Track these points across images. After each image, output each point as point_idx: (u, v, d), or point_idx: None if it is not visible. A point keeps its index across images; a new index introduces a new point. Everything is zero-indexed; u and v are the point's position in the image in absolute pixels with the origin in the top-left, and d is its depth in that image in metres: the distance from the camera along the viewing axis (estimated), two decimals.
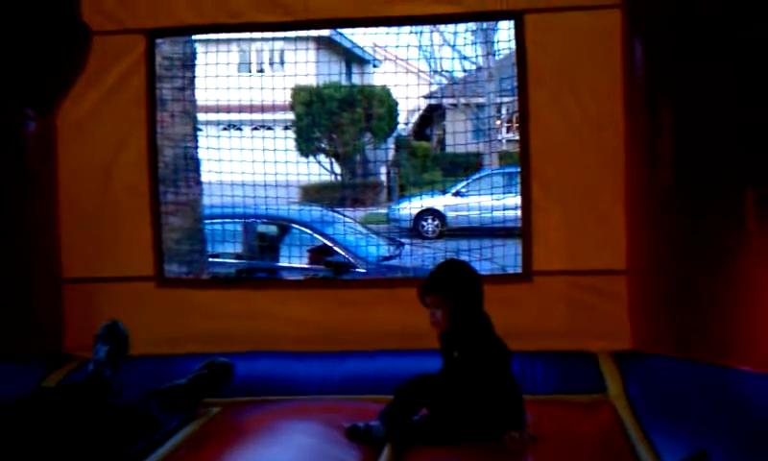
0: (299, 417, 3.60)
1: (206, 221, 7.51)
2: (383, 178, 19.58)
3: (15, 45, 4.07)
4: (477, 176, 15.52)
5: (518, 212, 4.41)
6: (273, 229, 8.99)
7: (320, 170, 18.07)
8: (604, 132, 4.17)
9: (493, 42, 15.63)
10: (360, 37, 19.33)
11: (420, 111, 22.93)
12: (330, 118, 18.71)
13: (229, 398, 3.85)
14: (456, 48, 17.74)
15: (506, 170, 14.19)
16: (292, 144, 17.40)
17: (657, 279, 3.95)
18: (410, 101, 20.72)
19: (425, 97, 21.41)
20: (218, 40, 8.54)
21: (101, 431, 3.19)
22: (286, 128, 17.80)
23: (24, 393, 3.43)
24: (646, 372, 3.87)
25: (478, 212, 9.41)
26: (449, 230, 13.85)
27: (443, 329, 3.38)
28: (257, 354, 4.25)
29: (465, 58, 18.30)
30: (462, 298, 3.37)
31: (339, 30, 14.58)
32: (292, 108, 18.66)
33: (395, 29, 7.92)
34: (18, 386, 3.71)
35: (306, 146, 18.68)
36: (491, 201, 9.66)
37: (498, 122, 18.72)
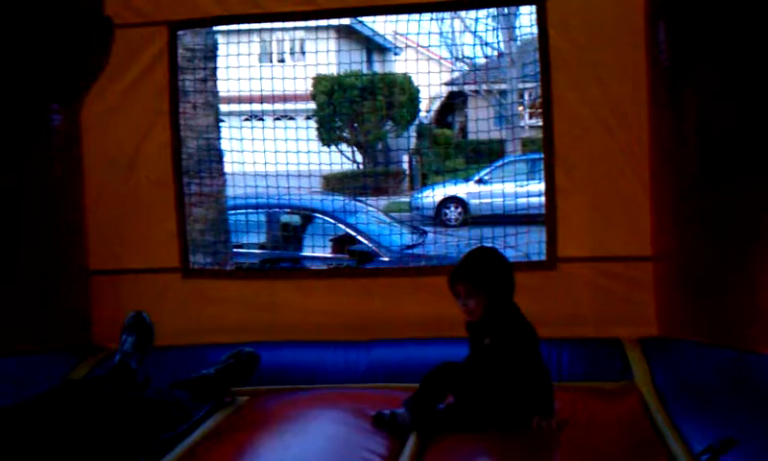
0: (324, 405, 3.62)
1: (230, 212, 7.54)
2: (405, 166, 19.58)
3: (40, 39, 4.10)
4: (500, 163, 15.48)
5: (542, 199, 4.39)
6: (296, 218, 9.02)
7: (342, 159, 18.09)
8: (628, 116, 4.13)
9: (515, 28, 15.56)
10: (380, 25, 19.32)
11: (442, 99, 22.88)
12: (352, 107, 18.72)
13: (256, 387, 3.88)
14: (477, 34, 17.67)
15: (529, 156, 14.14)
16: (314, 133, 17.43)
17: (683, 264, 3.92)
18: (431, 88, 20.70)
19: (447, 84, 21.36)
20: (239, 31, 8.54)
21: (130, 424, 3.22)
22: (308, 117, 17.85)
23: (53, 385, 3.47)
24: (673, 358, 3.84)
25: (501, 199, 9.38)
26: (472, 218, 13.83)
27: (476, 318, 3.36)
28: (282, 344, 4.27)
29: (486, 44, 18.23)
30: (495, 286, 3.35)
31: (359, 18, 14.56)
32: (313, 97, 18.69)
33: (415, 16, 7.88)
34: (47, 378, 3.75)
35: (328, 135, 18.72)
36: (514, 188, 9.61)
37: (521, 108, 18.63)
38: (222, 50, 7.53)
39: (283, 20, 5.12)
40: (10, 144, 4.14)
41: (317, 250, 8.47)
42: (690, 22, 3.76)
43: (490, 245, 6.32)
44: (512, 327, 3.30)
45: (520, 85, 17.31)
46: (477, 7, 7.69)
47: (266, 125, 10.48)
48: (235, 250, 7.73)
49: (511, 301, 3.37)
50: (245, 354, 3.85)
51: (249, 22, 5.13)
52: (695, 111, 3.76)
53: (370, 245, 8.40)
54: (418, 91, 19.46)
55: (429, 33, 17.76)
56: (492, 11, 13.63)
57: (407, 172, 19.38)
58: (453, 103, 22.45)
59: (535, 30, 4.35)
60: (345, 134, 19.69)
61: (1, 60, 4.03)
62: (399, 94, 18.99)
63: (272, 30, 15.78)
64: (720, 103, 3.68)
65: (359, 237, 8.48)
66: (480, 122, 15.14)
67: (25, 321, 4.20)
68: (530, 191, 8.07)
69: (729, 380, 3.48)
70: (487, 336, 3.33)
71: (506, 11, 14.13)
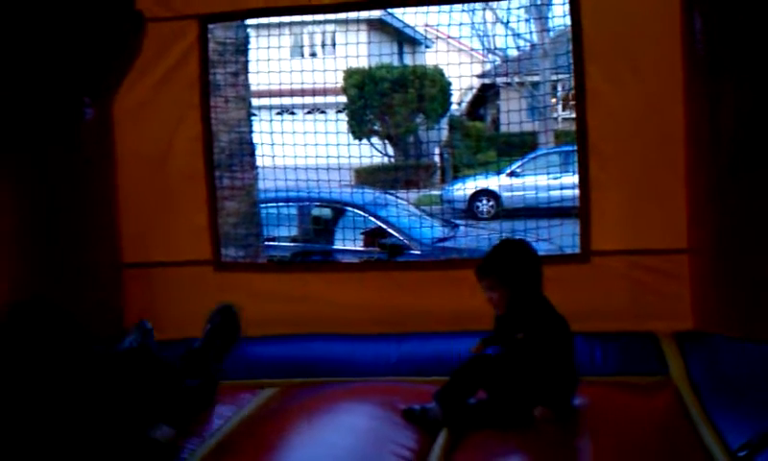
0: (355, 399, 3.62)
1: (262, 205, 7.56)
2: (437, 159, 19.52)
3: (72, 34, 4.12)
4: (532, 155, 15.37)
5: (575, 192, 4.33)
6: (327, 212, 9.02)
7: (373, 152, 18.08)
8: (663, 107, 4.06)
9: (548, 19, 15.44)
10: (411, 17, 19.18)
11: (474, 91, 22.77)
12: (383, 100, 18.69)
13: (287, 379, 3.88)
14: (509, 26, 17.55)
15: (562, 149, 14.03)
16: (345, 127, 17.42)
17: (719, 257, 3.85)
18: (463, 81, 20.63)
19: (479, 76, 21.25)
20: (270, 25, 8.55)
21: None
22: (339, 111, 17.85)
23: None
24: (709, 352, 3.78)
25: (534, 192, 9.30)
26: (504, 211, 13.75)
27: (501, 312, 3.34)
28: (313, 337, 4.28)
29: (518, 35, 18.09)
30: (517, 280, 3.32)
31: (390, 10, 14.51)
32: (344, 90, 18.68)
33: (446, 7, 7.82)
34: None
35: (359, 128, 18.70)
36: (546, 180, 9.53)
37: (554, 100, 18.49)
38: (253, 43, 7.54)
39: (314, 13, 5.12)
40: (43, 138, 4.18)
41: (348, 243, 8.47)
42: (726, 11, 3.69)
43: (519, 237, 6.27)
44: (543, 321, 3.27)
45: (553, 77, 17.15)
46: None
47: (297, 118, 10.51)
48: (267, 243, 7.75)
49: (539, 293, 3.33)
50: (218, 312, 3.81)
51: (279, 15, 5.13)
52: (731, 102, 3.69)
53: (401, 238, 8.37)
54: (449, 84, 19.36)
55: (460, 24, 17.57)
56: (525, 1, 13.55)
57: (438, 165, 19.31)
58: (485, 95, 22.31)
59: (568, 20, 4.30)
60: (376, 128, 19.65)
61: (33, 54, 4.07)
62: (431, 87, 18.91)
63: (303, 23, 15.81)
64: (756, 93, 3.60)
65: (390, 230, 8.46)
66: (512, 114, 15.05)
67: None
68: (563, 184, 8.00)
69: (766, 375, 3.41)
70: (517, 330, 3.30)
71: (538, 1, 14.05)
